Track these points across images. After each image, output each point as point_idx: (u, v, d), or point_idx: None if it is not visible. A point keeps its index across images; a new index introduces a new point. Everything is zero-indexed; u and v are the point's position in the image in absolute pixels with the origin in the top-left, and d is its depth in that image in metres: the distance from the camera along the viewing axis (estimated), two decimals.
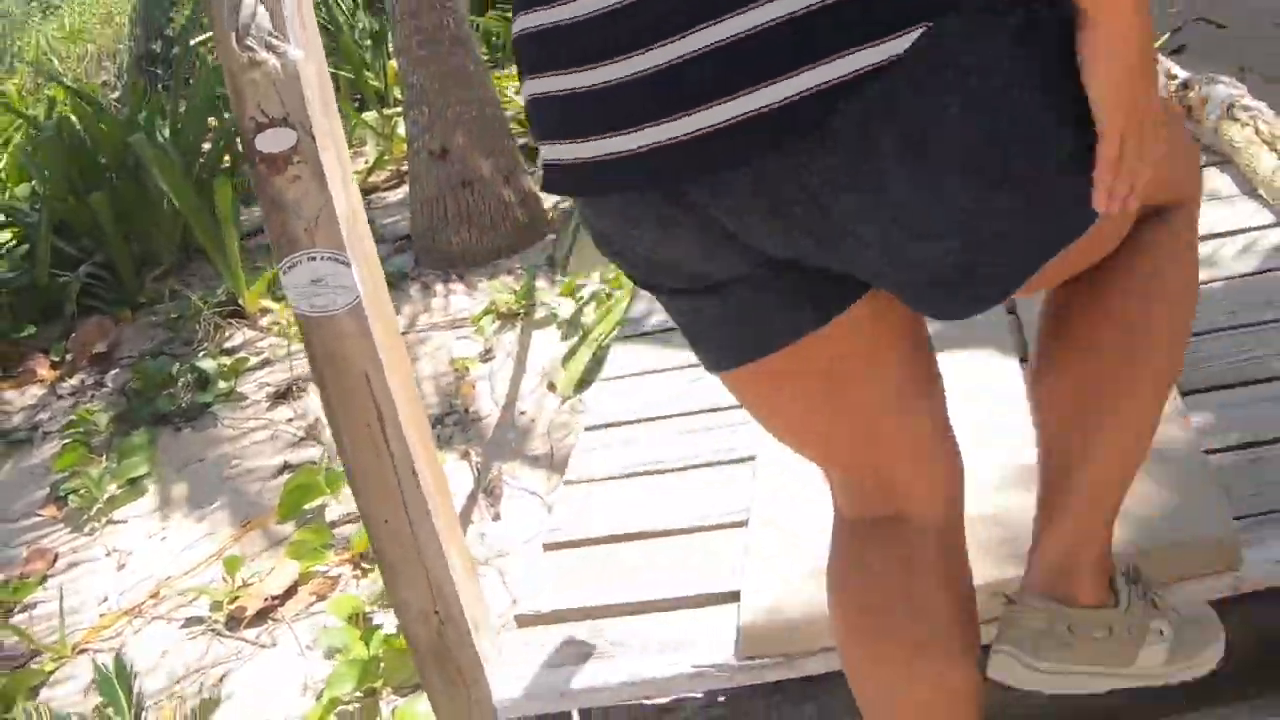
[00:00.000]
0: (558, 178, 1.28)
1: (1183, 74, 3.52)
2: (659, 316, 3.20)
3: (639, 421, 2.73)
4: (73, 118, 5.54)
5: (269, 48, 1.70)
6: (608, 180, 1.23)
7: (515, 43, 1.29)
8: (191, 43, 7.21)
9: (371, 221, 5.46)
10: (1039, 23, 1.14)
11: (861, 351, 1.38)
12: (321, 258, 1.78)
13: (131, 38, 8.66)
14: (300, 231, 1.77)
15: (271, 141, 1.75)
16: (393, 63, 6.99)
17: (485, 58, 6.25)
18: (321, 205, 1.76)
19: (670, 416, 2.72)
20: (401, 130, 6.42)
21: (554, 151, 1.27)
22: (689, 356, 2.92)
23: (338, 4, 8.34)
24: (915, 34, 1.08)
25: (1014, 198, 1.18)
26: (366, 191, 6.08)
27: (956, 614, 1.54)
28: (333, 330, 1.81)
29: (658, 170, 1.18)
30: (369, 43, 8.00)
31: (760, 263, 1.27)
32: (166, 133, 5.57)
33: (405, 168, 6.32)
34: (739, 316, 1.34)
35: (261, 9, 1.71)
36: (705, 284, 1.32)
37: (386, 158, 6.36)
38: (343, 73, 7.10)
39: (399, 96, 6.63)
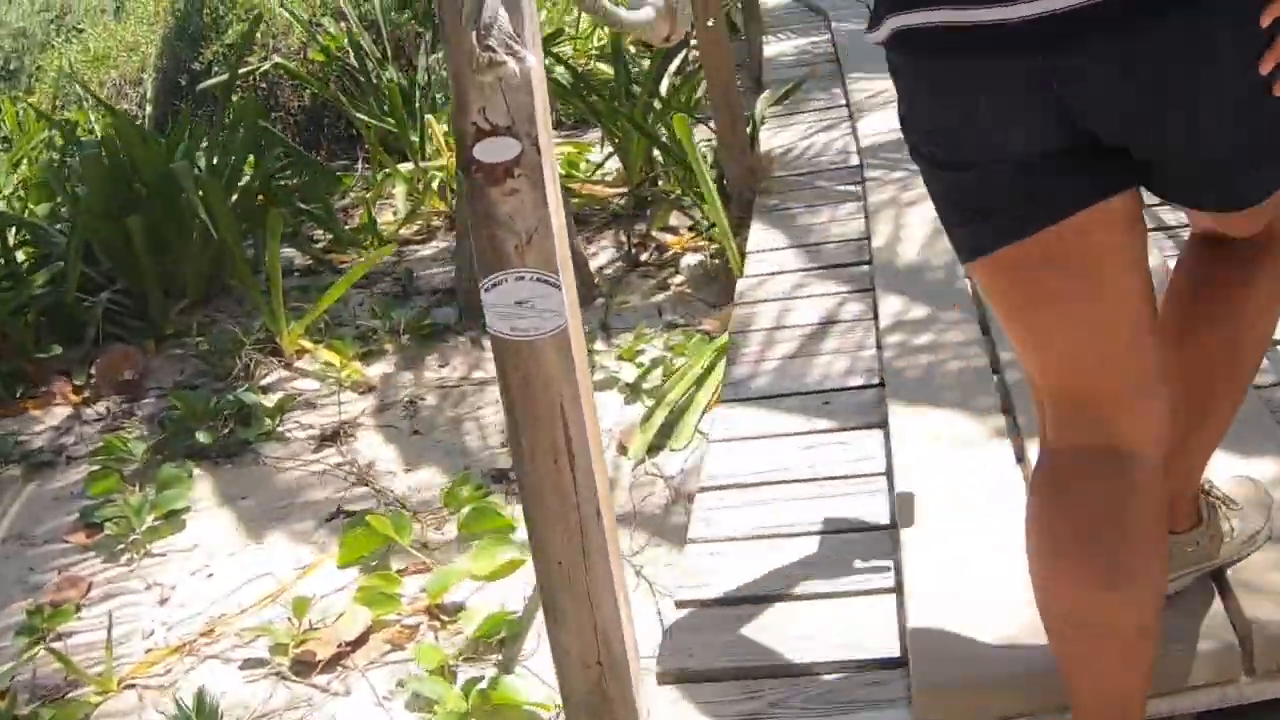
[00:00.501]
0: (928, 40, 1.47)
1: None
2: (762, 380, 3.14)
3: (759, 485, 2.65)
4: (115, 139, 5.44)
5: (510, 50, 1.62)
6: (986, 45, 1.42)
7: None
8: (238, 73, 7.14)
9: (409, 272, 5.46)
10: None
11: (1118, 249, 1.56)
12: (530, 278, 1.69)
13: (157, 69, 8.60)
14: (511, 248, 1.68)
15: (492, 150, 1.66)
16: (430, 117, 6.95)
17: None
18: (537, 222, 1.67)
19: (790, 482, 2.65)
20: (436, 184, 6.39)
21: (930, 16, 1.45)
22: (798, 422, 2.91)
23: (367, 54, 8.29)
24: None
25: None
26: (399, 243, 6.00)
27: (1161, 550, 1.66)
28: (533, 356, 1.71)
29: (1039, 36, 1.39)
30: (396, 96, 7.95)
31: (1064, 144, 1.49)
32: (202, 163, 5.49)
33: (435, 223, 6.28)
34: (1022, 194, 1.53)
35: (503, 10, 1.63)
36: (1000, 157, 1.52)
37: (419, 211, 6.29)
38: (379, 123, 7.03)
39: (438, 149, 6.60)
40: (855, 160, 5.04)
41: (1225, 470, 2.15)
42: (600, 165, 6.29)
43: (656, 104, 5.90)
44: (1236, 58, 1.41)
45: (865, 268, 3.88)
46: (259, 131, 5.80)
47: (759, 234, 4.39)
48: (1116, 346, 1.59)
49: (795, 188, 4.87)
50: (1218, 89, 1.43)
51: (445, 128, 6.77)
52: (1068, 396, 1.64)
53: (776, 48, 7.86)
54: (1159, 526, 1.65)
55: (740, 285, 3.98)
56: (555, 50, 7.70)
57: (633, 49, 7.21)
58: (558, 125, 6.96)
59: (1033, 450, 2.11)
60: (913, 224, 4.06)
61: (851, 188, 4.69)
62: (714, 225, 4.63)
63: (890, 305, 3.43)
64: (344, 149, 8.28)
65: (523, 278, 1.69)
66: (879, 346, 3.26)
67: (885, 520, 2.46)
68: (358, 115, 7.15)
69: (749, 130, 5.30)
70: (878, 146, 5.06)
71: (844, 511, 2.50)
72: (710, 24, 4.85)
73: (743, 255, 4.29)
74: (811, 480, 2.63)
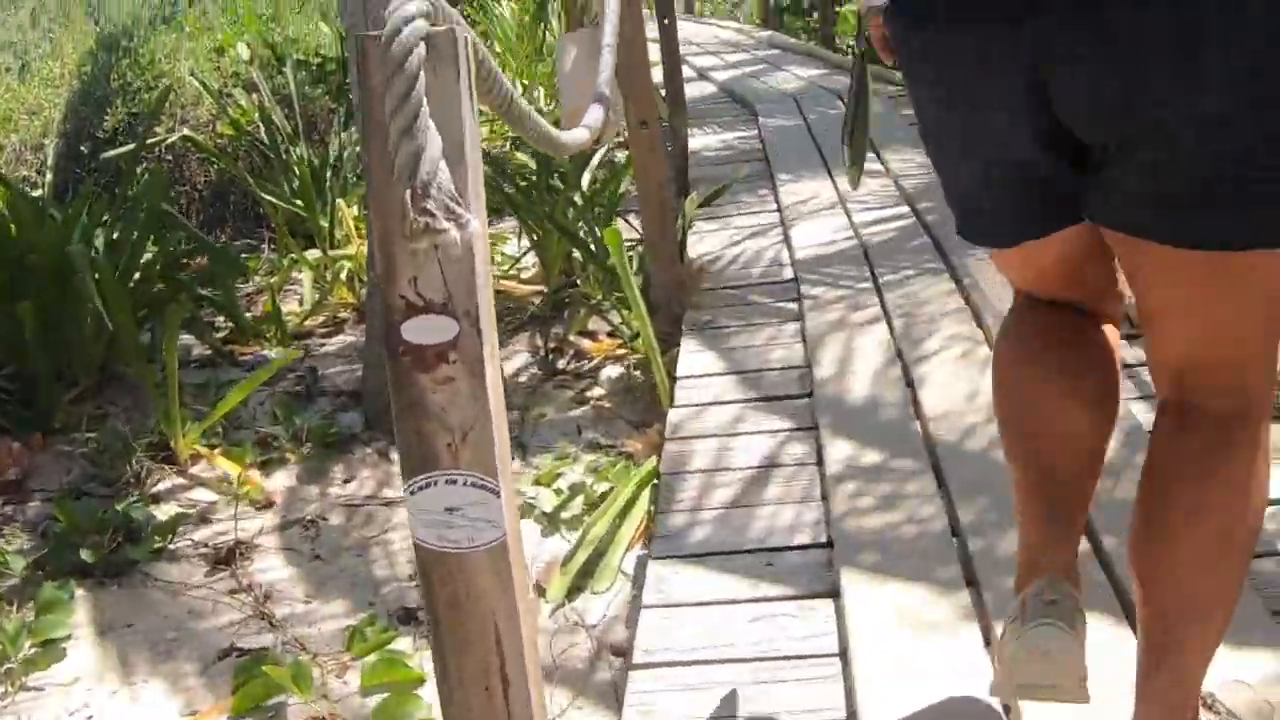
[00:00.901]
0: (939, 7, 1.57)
1: None
2: (699, 533, 2.90)
3: (698, 664, 2.40)
4: (8, 214, 5.11)
5: (451, 215, 1.36)
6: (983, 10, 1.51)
7: None
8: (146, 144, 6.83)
9: (313, 370, 5.16)
10: None
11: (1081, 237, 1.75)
12: (465, 482, 1.43)
13: (60, 134, 8.25)
14: (442, 446, 1.41)
15: (424, 331, 1.40)
16: (340, 201, 6.68)
17: None
18: (475, 417, 1.41)
19: (734, 662, 2.40)
20: (344, 274, 6.10)
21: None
22: (740, 587, 2.66)
23: (278, 130, 8.03)
24: None
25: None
26: (301, 336, 5.70)
27: (1115, 379, 1.91)
28: (464, 571, 1.44)
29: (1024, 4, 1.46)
30: (306, 173, 7.68)
31: (1041, 141, 1.58)
32: (101, 241, 5.17)
33: (343, 315, 5.99)
34: (1004, 208, 1.76)
35: (444, 165, 1.37)
36: (989, 155, 1.68)
37: (326, 301, 6.00)
38: (287, 205, 6.75)
39: (348, 235, 6.32)
40: (789, 273, 4.84)
41: (1215, 673, 1.92)
42: (517, 260, 6.06)
43: (578, 199, 5.67)
44: (1222, 59, 1.39)
45: (806, 400, 3.66)
46: (162, 213, 5.48)
47: (690, 356, 4.16)
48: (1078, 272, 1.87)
49: (728, 302, 4.65)
50: (1197, 90, 1.41)
51: (356, 211, 6.51)
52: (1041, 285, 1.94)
53: (703, 140, 7.69)
54: (1110, 356, 1.92)
55: (672, 417, 3.73)
56: None
57: None
58: None
59: (999, 628, 1.98)
60: (858, 354, 3.86)
61: (788, 305, 4.49)
62: (637, 335, 4.40)
63: (837, 450, 3.21)
64: (250, 228, 8.00)
65: (455, 481, 1.42)
66: (825, 498, 3.03)
67: (842, 714, 2.21)
68: (265, 196, 6.87)
69: (678, 237, 5.10)
70: (813, 260, 4.87)
71: (795, 701, 2.25)
72: (644, 127, 4.64)
73: (671, 377, 4.05)
74: (758, 660, 2.38)
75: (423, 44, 1.29)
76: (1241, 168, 1.44)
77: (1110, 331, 1.93)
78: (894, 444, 3.21)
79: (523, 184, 6.03)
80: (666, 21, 6.69)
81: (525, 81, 11.35)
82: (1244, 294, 1.57)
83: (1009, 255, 1.86)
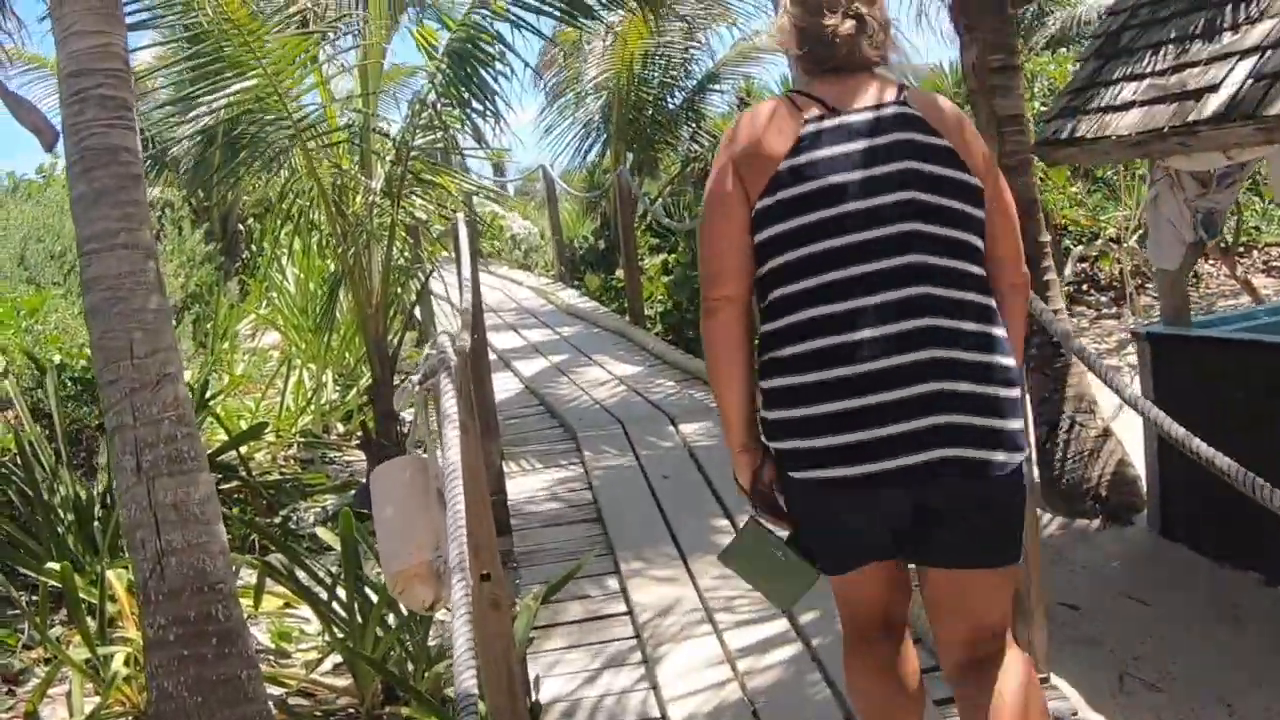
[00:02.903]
0: (844, 481, 2.65)
1: None
2: None
3: None
4: None
5: None
6: (883, 484, 2.63)
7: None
8: None
9: None
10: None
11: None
12: None
13: None
14: None
15: None
16: (111, 573, 5.72)
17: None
18: None
19: None
20: (123, 671, 5.13)
21: (839, 472, 2.64)
22: None
23: (37, 459, 7.02)
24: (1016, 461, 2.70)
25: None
26: None
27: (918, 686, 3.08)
28: None
29: (910, 479, 2.62)
30: (71, 518, 6.66)
31: (888, 528, 2.78)
32: None
33: None
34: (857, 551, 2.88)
35: None
36: (857, 537, 2.83)
37: (104, 710, 5.00)
38: (39, 577, 5.74)
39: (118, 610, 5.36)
40: None
41: None
42: (321, 659, 5.20)
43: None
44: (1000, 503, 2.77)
45: None
46: None
47: None
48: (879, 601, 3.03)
49: None
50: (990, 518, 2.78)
51: (130, 577, 5.53)
52: (866, 619, 3.05)
53: (524, 482, 6.91)
54: (911, 665, 3.09)
55: None
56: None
57: None
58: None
59: None
60: None
61: None
62: None
63: None
64: (9, 576, 6.88)
65: None
66: None
67: None
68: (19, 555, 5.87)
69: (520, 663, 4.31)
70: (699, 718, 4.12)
71: None
72: (485, 581, 3.85)
73: None
74: None
75: None
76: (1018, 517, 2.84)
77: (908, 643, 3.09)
78: None
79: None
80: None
81: (312, 366, 10.49)
82: (1008, 582, 2.92)
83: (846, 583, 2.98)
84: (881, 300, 2.60)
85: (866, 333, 2.59)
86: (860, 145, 2.67)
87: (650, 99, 15.38)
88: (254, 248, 14.77)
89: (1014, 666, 2.84)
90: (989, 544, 2.79)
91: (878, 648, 3.01)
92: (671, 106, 15.97)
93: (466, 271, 7.01)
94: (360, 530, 5.14)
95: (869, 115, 2.70)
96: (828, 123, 2.69)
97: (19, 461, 6.88)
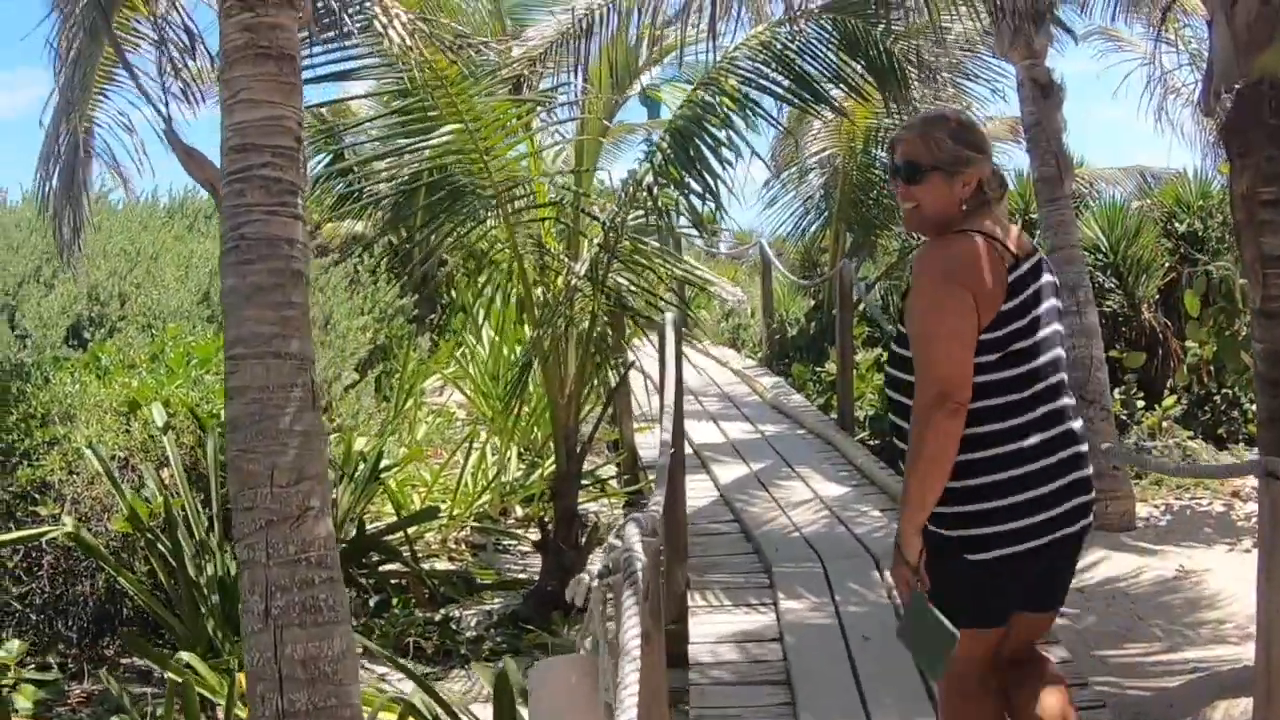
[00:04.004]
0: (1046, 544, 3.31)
1: None
2: None
3: None
4: None
5: None
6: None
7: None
8: None
9: None
10: None
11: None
12: None
13: None
14: None
15: None
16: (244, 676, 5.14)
17: None
18: None
19: None
20: None
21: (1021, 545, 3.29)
22: None
23: (187, 528, 6.53)
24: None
25: None
26: None
27: None
28: None
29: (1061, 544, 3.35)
30: (216, 599, 6.15)
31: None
32: None
33: None
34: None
35: None
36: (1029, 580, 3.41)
37: None
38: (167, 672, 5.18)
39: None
40: None
41: None
42: None
43: None
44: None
45: None
46: None
47: None
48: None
49: None
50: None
51: None
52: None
53: (707, 623, 6.13)
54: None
55: None
56: None
57: None
58: None
59: None
60: None
61: None
62: None
63: None
64: (149, 640, 6.41)
65: None
66: None
67: None
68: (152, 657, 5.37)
69: None
70: None
71: None
72: None
73: None
74: None
75: None
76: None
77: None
78: None
79: None
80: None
81: (496, 441, 9.89)
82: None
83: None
84: (1049, 409, 3.35)
85: (1043, 435, 3.33)
86: (1038, 284, 3.37)
87: (876, 179, 14.59)
88: (453, 293, 14.32)
89: (1052, 683, 3.59)
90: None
91: (988, 680, 3.51)
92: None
93: (671, 374, 6.36)
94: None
95: (1032, 262, 3.37)
96: (1022, 267, 3.33)
97: (166, 529, 6.41)
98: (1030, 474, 3.27)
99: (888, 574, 6.64)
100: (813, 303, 15.92)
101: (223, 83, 3.88)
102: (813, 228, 15.79)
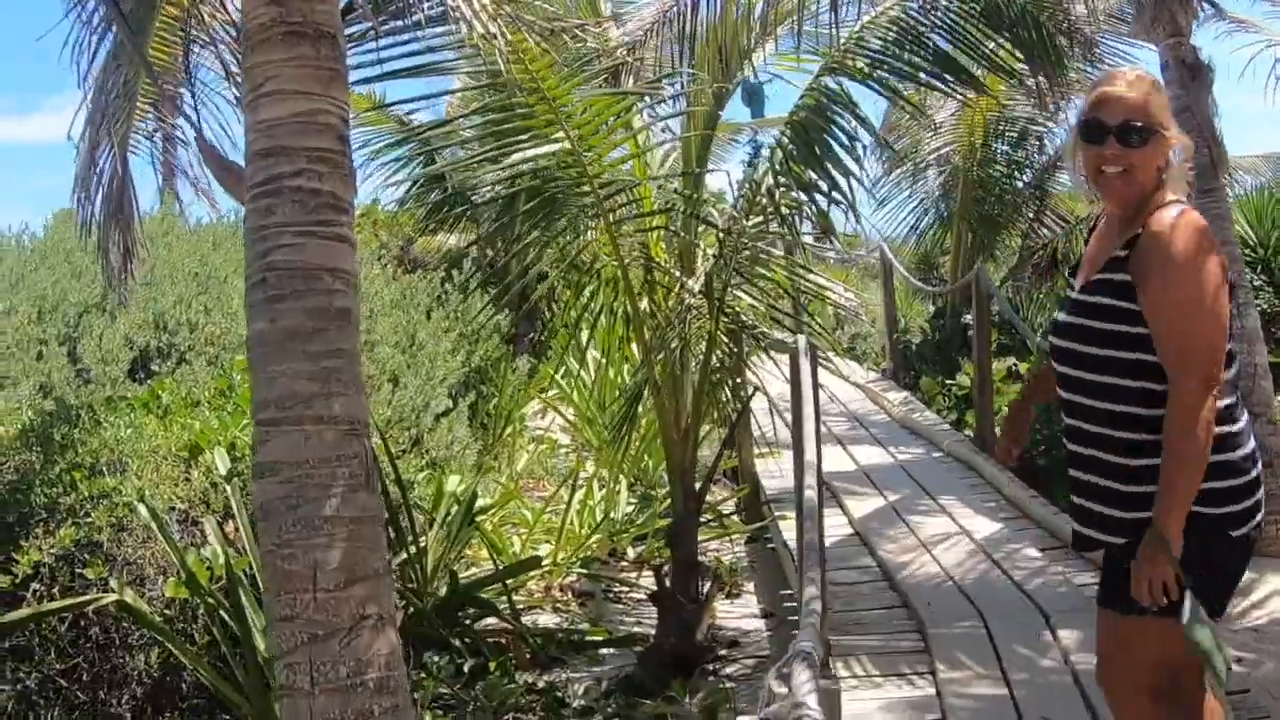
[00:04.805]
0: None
1: None
2: None
3: None
4: None
5: None
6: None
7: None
8: None
9: None
10: None
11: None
12: None
13: None
14: None
15: None
16: None
17: None
18: None
19: None
20: None
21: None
22: None
23: (252, 591, 5.73)
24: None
25: None
26: None
27: None
28: None
29: None
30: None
31: None
32: None
33: None
34: None
35: None
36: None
37: None
38: None
39: None
40: None
41: None
42: None
43: None
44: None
45: None
46: None
47: None
48: None
49: None
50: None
51: None
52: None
53: (856, 703, 5.16)
54: None
55: None
56: None
57: None
58: None
59: None
60: None
61: None
62: None
63: None
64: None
65: None
66: None
67: None
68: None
69: None
70: None
71: None
72: None
73: None
74: None
75: None
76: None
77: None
78: None
79: None
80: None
81: (604, 474, 8.99)
82: None
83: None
84: None
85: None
86: None
87: (999, 176, 13.52)
88: (553, 308, 13.43)
89: None
90: None
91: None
92: (1020, 185, 14.04)
93: (809, 410, 5.42)
94: None
95: None
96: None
97: (229, 592, 5.61)
98: (1253, 450, 3.24)
99: (1061, 634, 5.66)
100: (934, 309, 14.87)
101: (245, 71, 3.02)
102: (931, 229, 14.75)
